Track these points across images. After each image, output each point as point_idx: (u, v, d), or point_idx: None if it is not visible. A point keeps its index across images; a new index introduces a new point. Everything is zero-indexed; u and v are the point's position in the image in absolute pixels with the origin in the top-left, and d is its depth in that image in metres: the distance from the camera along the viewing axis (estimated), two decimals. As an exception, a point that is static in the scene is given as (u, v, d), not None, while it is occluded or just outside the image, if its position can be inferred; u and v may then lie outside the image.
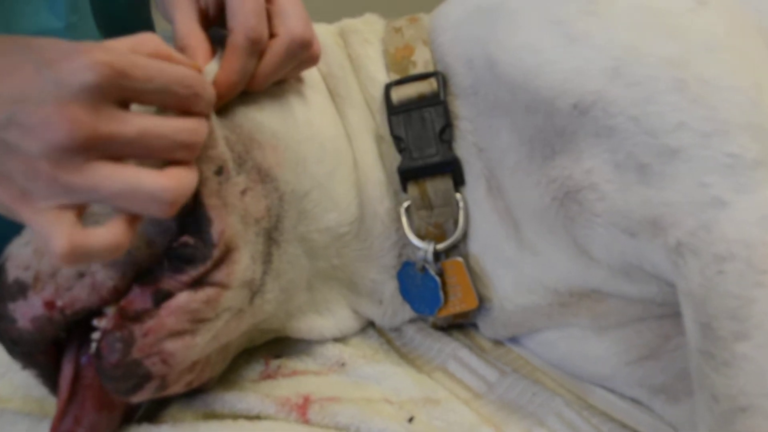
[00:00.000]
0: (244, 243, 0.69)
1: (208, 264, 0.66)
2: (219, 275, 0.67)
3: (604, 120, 0.65)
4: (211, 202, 0.67)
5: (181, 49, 0.72)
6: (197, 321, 0.66)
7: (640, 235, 0.64)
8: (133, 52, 0.60)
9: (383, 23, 0.84)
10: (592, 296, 0.73)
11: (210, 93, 0.64)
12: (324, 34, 0.82)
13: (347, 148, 0.77)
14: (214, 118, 0.69)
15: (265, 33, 0.70)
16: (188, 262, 0.66)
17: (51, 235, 0.57)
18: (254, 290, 0.71)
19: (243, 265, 0.68)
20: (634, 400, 0.75)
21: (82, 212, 0.58)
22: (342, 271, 0.79)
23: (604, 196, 0.65)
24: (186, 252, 0.66)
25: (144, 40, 0.62)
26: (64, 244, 0.56)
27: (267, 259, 0.72)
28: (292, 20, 0.71)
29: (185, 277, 0.66)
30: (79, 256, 0.57)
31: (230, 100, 0.71)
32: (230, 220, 0.68)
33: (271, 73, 0.72)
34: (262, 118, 0.73)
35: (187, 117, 0.62)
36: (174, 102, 0.61)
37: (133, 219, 0.60)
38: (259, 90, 0.72)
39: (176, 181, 0.59)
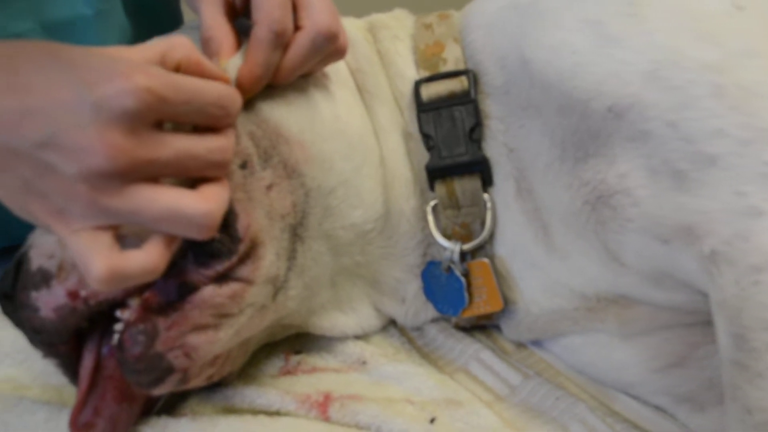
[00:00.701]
0: (269, 239, 0.68)
1: (234, 259, 0.66)
2: (244, 271, 0.67)
3: (640, 124, 0.64)
4: (236, 196, 0.67)
5: (206, 41, 0.71)
6: (221, 315, 0.66)
7: (673, 242, 0.63)
8: (164, 58, 0.60)
9: (413, 19, 0.83)
10: (620, 302, 0.72)
11: (238, 105, 0.64)
12: (353, 28, 0.81)
13: (374, 144, 0.76)
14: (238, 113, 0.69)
15: (290, 25, 0.69)
16: (214, 257, 0.65)
17: (89, 258, 0.56)
18: (278, 286, 0.70)
19: (268, 260, 0.68)
20: (659, 408, 0.74)
21: (117, 232, 0.58)
22: (366, 269, 0.79)
23: (637, 201, 0.64)
24: (212, 246, 0.65)
25: (175, 45, 0.62)
26: (101, 267, 0.56)
27: (291, 255, 0.71)
28: (318, 13, 0.70)
29: (210, 272, 0.65)
30: (117, 281, 0.57)
31: (255, 94, 0.70)
32: (256, 214, 0.68)
33: (297, 67, 0.71)
34: (288, 114, 0.72)
35: (217, 134, 0.62)
36: (208, 121, 0.61)
37: (170, 241, 0.60)
38: (285, 83, 0.72)
39: (214, 203, 0.59)
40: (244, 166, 0.68)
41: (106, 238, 0.57)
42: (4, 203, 0.61)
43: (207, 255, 0.65)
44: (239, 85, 0.68)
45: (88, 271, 0.56)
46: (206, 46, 0.71)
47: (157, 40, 0.63)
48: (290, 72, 0.71)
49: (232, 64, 0.70)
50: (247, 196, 0.68)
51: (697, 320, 0.71)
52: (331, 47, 0.71)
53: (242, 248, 0.66)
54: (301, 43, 0.70)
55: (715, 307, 0.61)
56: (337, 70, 0.78)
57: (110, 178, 0.55)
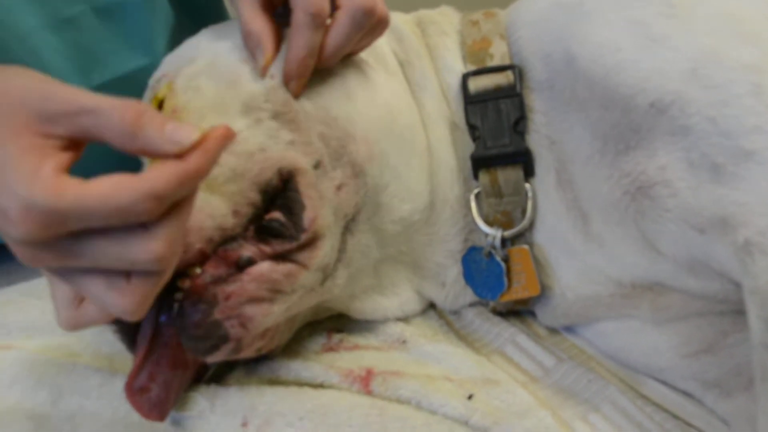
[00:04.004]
0: (330, 234, 0.72)
1: (294, 244, 0.69)
2: (302, 256, 0.70)
3: (681, 119, 0.67)
4: (307, 191, 0.70)
5: (246, 35, 0.74)
6: (275, 291, 0.69)
7: (710, 232, 0.66)
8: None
9: (459, 16, 0.86)
10: (655, 289, 0.75)
11: (183, 189, 0.55)
12: (402, 23, 0.85)
13: (422, 135, 0.79)
14: (309, 110, 0.72)
15: (326, 6, 0.71)
16: (275, 236, 0.68)
17: (56, 307, 0.63)
18: (327, 274, 0.73)
19: (324, 252, 0.71)
20: (687, 393, 0.77)
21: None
22: (408, 256, 0.82)
23: (676, 192, 0.67)
24: (274, 226, 0.68)
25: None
26: (61, 320, 0.63)
27: (342, 248, 0.74)
28: None
29: (269, 249, 0.68)
30: (76, 330, 0.64)
31: (306, 79, 0.73)
32: (323, 212, 0.71)
33: (340, 46, 0.73)
34: (354, 110, 0.75)
35: (148, 234, 0.54)
36: (134, 221, 0.54)
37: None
38: (330, 65, 0.74)
39: (136, 301, 0.57)
40: (317, 166, 0.72)
41: (66, 293, 0.62)
42: None
43: (268, 234, 0.69)
44: (287, 73, 0.72)
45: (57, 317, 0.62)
46: (247, 40, 0.74)
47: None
48: (334, 52, 0.73)
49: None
50: (318, 194, 0.71)
51: (728, 309, 0.74)
52: (371, 21, 0.73)
53: (304, 237, 0.69)
54: (341, 21, 0.72)
55: (748, 294, 0.64)
56: (387, 62, 0.81)
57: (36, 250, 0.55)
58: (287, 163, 0.71)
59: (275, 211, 0.70)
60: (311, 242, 0.70)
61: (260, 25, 0.74)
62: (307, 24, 0.71)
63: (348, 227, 0.75)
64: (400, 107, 0.79)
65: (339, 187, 0.73)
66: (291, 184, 0.71)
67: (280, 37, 0.75)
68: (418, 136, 0.79)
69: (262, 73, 0.74)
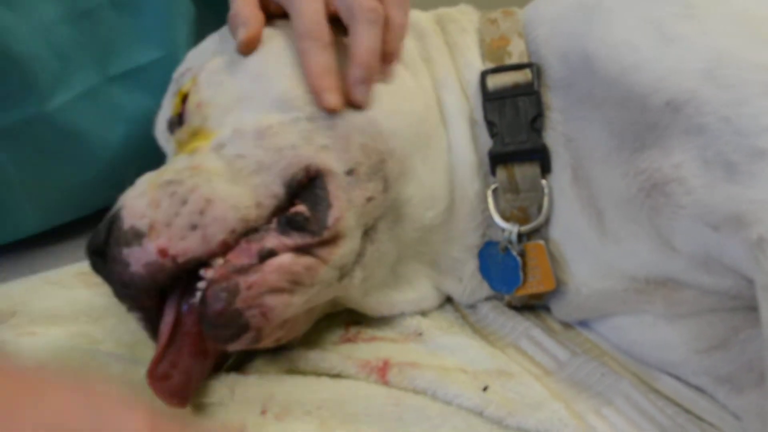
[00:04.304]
0: (350, 237, 0.73)
1: (316, 239, 0.70)
2: (322, 252, 0.71)
3: (696, 118, 0.68)
4: (336, 193, 0.72)
5: (232, 16, 0.77)
6: (295, 283, 0.70)
7: (723, 229, 0.67)
8: None
9: (478, 14, 0.88)
10: (669, 285, 0.76)
11: None
12: (423, 20, 0.86)
13: (443, 134, 0.81)
14: (353, 120, 0.74)
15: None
16: (297, 229, 0.70)
17: None
18: (344, 273, 0.74)
19: (344, 251, 0.72)
20: (699, 389, 0.77)
21: None
22: (426, 255, 0.83)
23: (690, 190, 0.68)
24: (298, 220, 0.70)
25: None
26: None
27: (361, 252, 0.76)
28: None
29: (290, 242, 0.70)
30: None
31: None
32: (348, 215, 0.72)
33: (398, 38, 0.77)
34: (398, 125, 0.76)
35: None
36: None
37: None
38: (391, 62, 0.77)
39: None
40: (350, 173, 0.73)
41: None
42: None
43: (291, 226, 0.70)
44: (355, 79, 0.74)
45: None
46: (232, 20, 0.77)
47: None
48: (395, 48, 0.76)
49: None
50: (346, 198, 0.72)
51: (741, 305, 0.75)
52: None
53: (327, 234, 0.71)
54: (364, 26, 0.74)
55: (760, 291, 0.65)
56: (412, 62, 0.82)
57: None
58: (317, 163, 0.72)
59: (300, 205, 0.71)
60: (333, 240, 0.71)
61: (249, 10, 0.77)
62: (370, 21, 0.73)
63: (368, 235, 0.76)
64: (427, 111, 0.80)
65: (369, 199, 0.74)
66: (319, 182, 0.72)
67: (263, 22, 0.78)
68: (440, 137, 0.81)
69: (244, 49, 0.76)
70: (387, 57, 0.76)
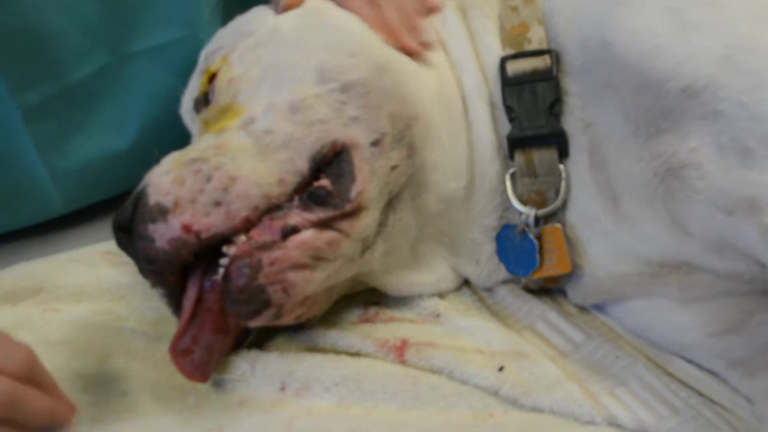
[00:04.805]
0: (373, 207, 0.75)
1: (338, 212, 0.72)
2: (344, 225, 0.73)
3: (713, 104, 0.69)
4: (360, 165, 0.74)
5: None
6: (317, 258, 0.72)
7: (737, 213, 0.68)
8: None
9: (499, 1, 0.89)
10: (683, 269, 0.77)
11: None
12: (446, 5, 0.87)
13: (464, 111, 0.82)
14: (386, 86, 0.76)
15: None
16: (320, 204, 0.71)
17: None
18: (366, 246, 0.76)
19: (365, 223, 0.74)
20: (712, 372, 0.78)
21: None
22: (446, 236, 0.85)
23: (705, 174, 0.69)
24: (320, 194, 0.72)
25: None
26: None
27: (383, 222, 0.77)
28: None
29: (313, 217, 0.71)
30: None
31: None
32: (371, 186, 0.74)
33: None
34: (424, 87, 0.79)
35: None
36: None
37: None
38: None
39: None
40: (375, 143, 0.75)
41: None
42: None
43: (313, 201, 0.72)
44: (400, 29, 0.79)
45: None
46: None
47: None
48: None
49: None
50: (369, 169, 0.74)
51: (754, 289, 0.76)
52: None
53: (349, 207, 0.72)
54: None
55: None
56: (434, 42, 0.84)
57: None
58: (344, 137, 0.74)
59: (324, 179, 0.73)
60: (355, 212, 0.73)
61: None
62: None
63: (391, 204, 0.78)
64: (448, 82, 0.82)
65: (393, 168, 0.76)
66: (344, 155, 0.74)
67: None
68: (461, 113, 0.82)
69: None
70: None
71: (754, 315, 0.77)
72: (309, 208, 0.72)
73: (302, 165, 0.73)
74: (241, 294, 0.70)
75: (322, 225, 0.72)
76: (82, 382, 0.77)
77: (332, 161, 0.74)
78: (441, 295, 0.87)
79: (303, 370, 0.76)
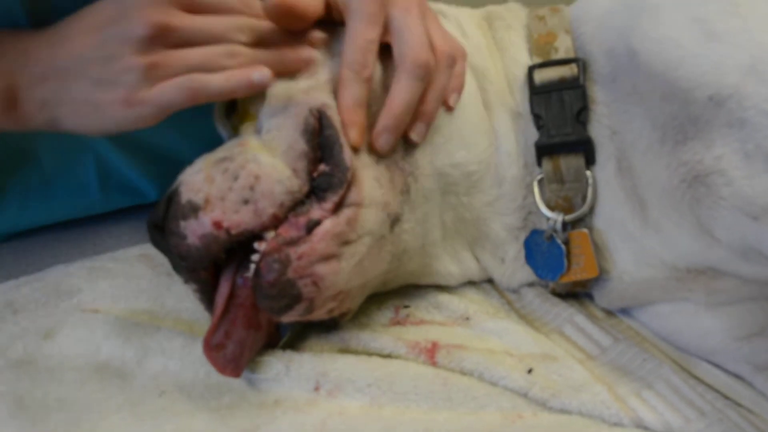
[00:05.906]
0: (370, 167, 0.77)
1: (345, 187, 0.74)
2: (352, 196, 0.75)
3: (738, 112, 0.70)
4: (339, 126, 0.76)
5: None
6: (343, 243, 0.74)
7: (763, 219, 0.69)
8: None
9: (526, 11, 0.90)
10: (708, 273, 0.78)
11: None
12: (468, 18, 0.89)
13: (482, 109, 0.85)
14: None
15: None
16: (329, 190, 0.74)
17: None
18: (393, 217, 0.78)
19: (368, 184, 0.76)
20: (737, 376, 0.80)
21: None
22: (472, 225, 0.86)
23: (731, 181, 0.71)
24: (325, 180, 0.74)
25: None
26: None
27: (405, 189, 0.80)
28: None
29: (329, 204, 0.73)
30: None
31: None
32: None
33: (438, 99, 0.81)
34: None
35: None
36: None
37: None
38: (432, 120, 0.81)
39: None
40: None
41: None
42: (75, 123, 0.75)
43: (324, 190, 0.74)
44: (383, 128, 0.78)
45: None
46: None
47: None
48: (434, 108, 0.80)
49: None
50: None
51: None
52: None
53: (350, 176, 0.75)
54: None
55: None
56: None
57: (150, 42, 0.72)
58: (322, 99, 0.77)
59: (321, 164, 0.75)
60: (354, 177, 0.75)
61: None
62: (417, 76, 0.76)
63: (413, 173, 0.80)
64: (471, 92, 0.84)
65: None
66: (325, 120, 0.76)
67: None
68: (476, 104, 0.84)
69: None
70: (420, 116, 0.79)
71: (780, 319, 0.78)
72: (322, 198, 0.74)
73: (302, 146, 0.75)
74: (272, 289, 0.72)
75: (336, 209, 0.74)
76: (120, 382, 0.79)
77: (321, 132, 0.76)
78: (470, 299, 0.89)
79: (336, 371, 0.78)
